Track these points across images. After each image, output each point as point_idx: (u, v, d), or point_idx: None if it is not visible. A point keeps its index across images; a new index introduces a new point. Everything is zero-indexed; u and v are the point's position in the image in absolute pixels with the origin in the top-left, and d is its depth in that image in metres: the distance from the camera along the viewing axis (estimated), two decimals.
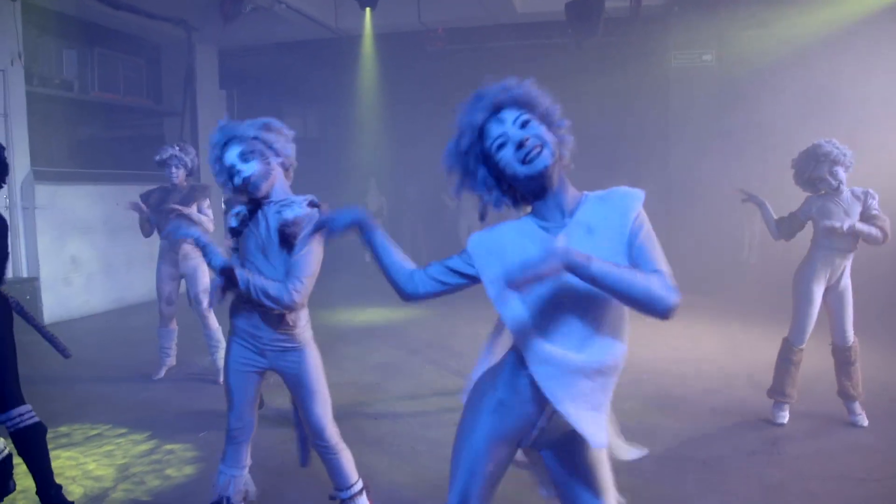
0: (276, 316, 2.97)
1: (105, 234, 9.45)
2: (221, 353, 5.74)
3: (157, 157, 5.67)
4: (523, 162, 1.91)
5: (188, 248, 5.84)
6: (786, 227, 4.89)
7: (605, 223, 1.97)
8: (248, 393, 3.10)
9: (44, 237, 8.54)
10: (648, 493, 3.80)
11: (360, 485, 3.20)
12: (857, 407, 4.85)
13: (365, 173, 13.57)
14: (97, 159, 10.03)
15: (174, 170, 5.65)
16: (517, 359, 2.08)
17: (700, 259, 9.39)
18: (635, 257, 1.95)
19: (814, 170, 4.75)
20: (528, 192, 1.99)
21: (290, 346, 3.03)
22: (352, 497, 3.17)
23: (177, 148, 5.73)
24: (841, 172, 4.69)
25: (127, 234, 9.76)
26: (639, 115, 11.23)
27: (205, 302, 5.83)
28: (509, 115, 1.95)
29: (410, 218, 13.57)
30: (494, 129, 1.95)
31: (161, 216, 5.69)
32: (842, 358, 4.89)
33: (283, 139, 3.06)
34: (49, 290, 8.58)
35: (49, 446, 3.50)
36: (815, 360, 6.39)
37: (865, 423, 4.78)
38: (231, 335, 3.11)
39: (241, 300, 3.03)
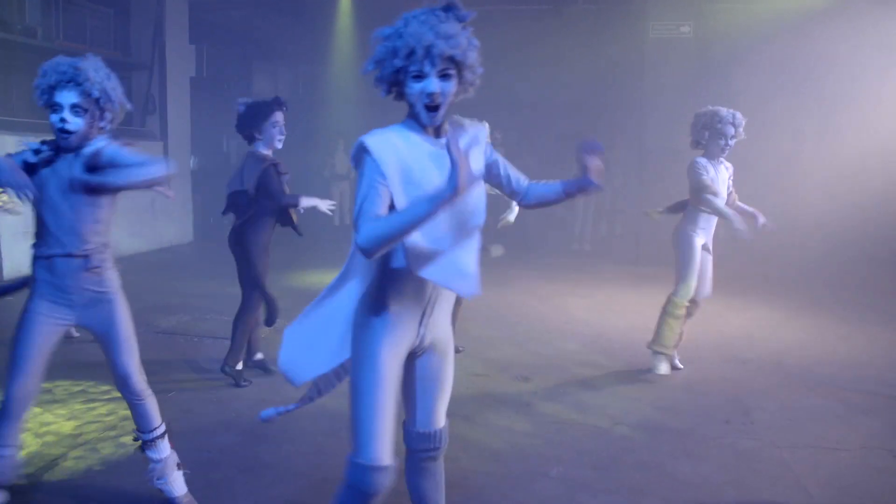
0: (80, 260, 2.90)
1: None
2: None
3: None
4: (426, 108, 2.17)
5: None
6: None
7: (473, 147, 2.36)
8: (43, 356, 2.95)
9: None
10: (625, 460, 3.83)
11: (162, 428, 3.20)
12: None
13: (333, 134, 13.35)
14: None
15: None
16: (382, 281, 2.26)
17: (668, 227, 9.43)
18: (502, 169, 2.51)
19: (719, 132, 4.88)
20: (416, 115, 2.23)
21: (101, 294, 2.96)
22: (153, 440, 3.17)
23: None
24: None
25: None
26: (616, 84, 11.19)
27: None
28: (439, 64, 2.12)
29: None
30: (421, 64, 2.11)
31: None
32: (692, 311, 5.24)
33: (119, 92, 2.98)
34: (9, 243, 8.32)
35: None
36: (786, 332, 6.52)
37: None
38: (32, 288, 2.97)
39: (45, 248, 2.93)
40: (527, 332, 6.41)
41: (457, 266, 2.20)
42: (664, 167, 9.69)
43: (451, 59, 2.13)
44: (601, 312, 7.25)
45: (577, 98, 11.42)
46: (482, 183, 2.34)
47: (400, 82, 2.18)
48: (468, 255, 2.23)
